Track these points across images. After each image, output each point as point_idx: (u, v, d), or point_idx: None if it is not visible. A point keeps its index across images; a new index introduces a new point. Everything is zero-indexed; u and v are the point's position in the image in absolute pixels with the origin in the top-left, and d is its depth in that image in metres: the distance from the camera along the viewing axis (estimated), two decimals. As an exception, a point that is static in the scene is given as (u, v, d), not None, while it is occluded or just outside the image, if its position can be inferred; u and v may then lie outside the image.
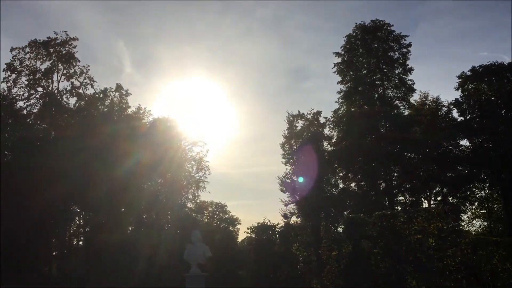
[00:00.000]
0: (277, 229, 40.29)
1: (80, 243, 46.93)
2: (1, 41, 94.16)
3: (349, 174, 43.03)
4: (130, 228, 47.69)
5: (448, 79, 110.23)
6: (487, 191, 43.22)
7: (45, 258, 40.17)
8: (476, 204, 44.35)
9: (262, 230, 42.82)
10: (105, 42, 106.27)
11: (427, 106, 43.62)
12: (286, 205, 42.91)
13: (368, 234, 24.46)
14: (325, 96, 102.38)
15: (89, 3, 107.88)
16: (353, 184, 43.56)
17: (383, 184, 42.07)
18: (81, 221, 46.65)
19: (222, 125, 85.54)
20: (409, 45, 42.71)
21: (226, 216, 71.94)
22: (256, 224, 45.34)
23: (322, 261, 28.16)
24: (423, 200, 42.73)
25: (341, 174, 44.43)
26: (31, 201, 34.97)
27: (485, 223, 44.58)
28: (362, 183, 42.23)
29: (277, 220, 46.49)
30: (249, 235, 45.26)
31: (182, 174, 53.90)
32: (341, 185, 44.50)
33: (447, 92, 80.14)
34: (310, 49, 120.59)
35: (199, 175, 57.63)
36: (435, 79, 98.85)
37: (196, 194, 58.97)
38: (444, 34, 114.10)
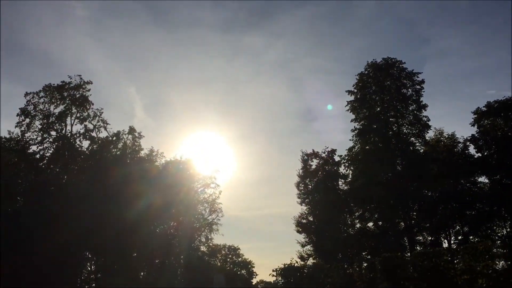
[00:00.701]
0: (305, 270, 38.53)
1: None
2: (15, 88, 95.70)
3: (366, 214, 41.93)
4: (142, 273, 46.48)
5: (458, 117, 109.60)
6: (508, 229, 41.74)
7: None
8: (498, 243, 42.73)
9: (291, 271, 41.02)
10: (116, 88, 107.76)
11: (442, 142, 42.85)
12: (303, 246, 41.67)
13: (408, 275, 22.59)
14: (335, 137, 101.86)
15: (101, 50, 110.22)
16: (370, 224, 42.37)
17: (402, 223, 40.80)
18: (92, 266, 45.62)
19: (234, 166, 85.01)
20: (422, 81, 42.56)
21: (239, 259, 70.38)
22: (282, 266, 43.68)
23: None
24: (442, 239, 41.32)
25: (357, 214, 43.35)
26: (42, 247, 34.27)
27: (509, 262, 42.79)
28: (380, 223, 41.03)
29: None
30: (275, 277, 43.00)
31: (195, 216, 53.20)
32: (358, 225, 43.31)
33: (459, 129, 79.51)
34: (318, 91, 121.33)
35: (212, 217, 56.93)
36: (446, 117, 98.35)
37: (210, 237, 57.98)
38: (450, 73, 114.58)
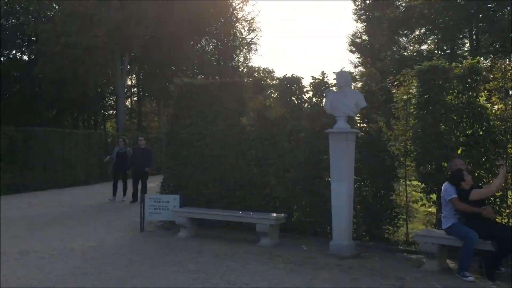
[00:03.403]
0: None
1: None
2: None
3: (427, 33, 37.86)
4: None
5: None
6: None
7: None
8: None
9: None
10: None
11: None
12: (356, 67, 38.82)
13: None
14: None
15: None
16: (427, 47, 38.59)
17: (468, 44, 36.90)
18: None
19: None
20: None
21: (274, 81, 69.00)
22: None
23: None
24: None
25: (415, 34, 39.32)
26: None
27: None
28: (442, 44, 37.18)
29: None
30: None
31: (234, 34, 50.59)
32: (415, 47, 39.63)
33: None
34: None
35: (251, 37, 54.01)
36: None
37: (248, 57, 55.79)
38: None
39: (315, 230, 9.23)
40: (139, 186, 13.82)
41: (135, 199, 13.91)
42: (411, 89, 8.60)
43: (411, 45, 40.38)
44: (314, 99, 9.55)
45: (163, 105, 44.71)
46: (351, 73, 9.26)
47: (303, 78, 9.91)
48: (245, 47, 54.25)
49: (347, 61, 37.94)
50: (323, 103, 7.98)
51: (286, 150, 9.72)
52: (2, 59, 39.63)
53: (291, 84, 9.84)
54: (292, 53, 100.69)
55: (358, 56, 38.95)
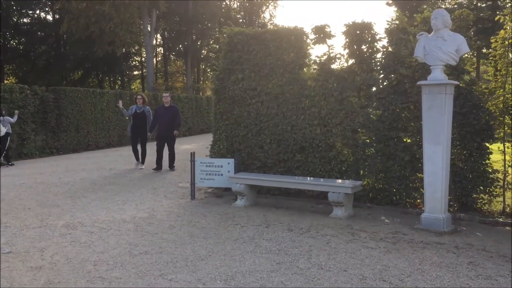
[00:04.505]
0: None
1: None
2: None
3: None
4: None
5: None
6: None
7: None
8: None
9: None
10: None
11: None
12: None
13: None
14: None
15: None
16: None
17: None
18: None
19: None
20: None
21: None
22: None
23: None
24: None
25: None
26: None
27: None
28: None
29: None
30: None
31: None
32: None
33: None
34: None
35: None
36: None
37: (273, 14, 54.12)
38: None
39: (390, 198, 8.10)
40: (165, 152, 12.28)
41: (159, 167, 12.26)
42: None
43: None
44: (389, 48, 8.21)
45: (190, 64, 43.49)
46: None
47: (374, 23, 8.55)
48: (271, 3, 52.26)
49: (384, 15, 35.08)
50: (414, 51, 6.62)
51: (355, 107, 8.51)
52: (25, 20, 38.74)
53: (361, 30, 8.49)
54: (319, 11, 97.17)
55: (395, 9, 36.51)
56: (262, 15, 52.51)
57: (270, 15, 53.26)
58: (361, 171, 8.48)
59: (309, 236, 6.14)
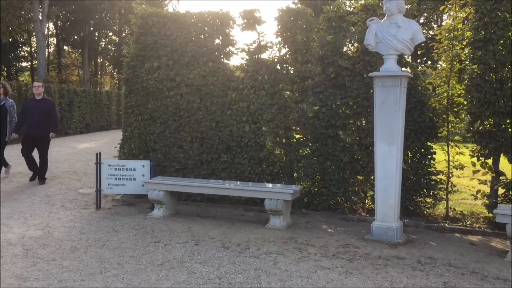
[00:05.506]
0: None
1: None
2: None
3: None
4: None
5: None
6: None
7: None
8: None
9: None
10: None
11: None
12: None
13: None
14: None
15: None
16: None
17: None
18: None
19: None
20: None
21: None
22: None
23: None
24: None
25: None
26: None
27: None
28: None
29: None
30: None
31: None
32: None
33: None
34: None
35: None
36: None
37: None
38: None
39: (328, 203, 7.32)
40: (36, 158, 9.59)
41: (35, 173, 9.64)
42: (463, 23, 6.74)
43: None
44: (328, 37, 7.42)
45: (87, 57, 40.43)
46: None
47: (311, 11, 7.72)
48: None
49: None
50: (365, 38, 5.84)
51: (288, 102, 7.62)
52: None
53: (296, 17, 7.62)
54: None
55: None
56: (167, 7, 50.47)
57: (173, 9, 51.01)
58: (295, 174, 7.63)
59: (251, 255, 5.08)
